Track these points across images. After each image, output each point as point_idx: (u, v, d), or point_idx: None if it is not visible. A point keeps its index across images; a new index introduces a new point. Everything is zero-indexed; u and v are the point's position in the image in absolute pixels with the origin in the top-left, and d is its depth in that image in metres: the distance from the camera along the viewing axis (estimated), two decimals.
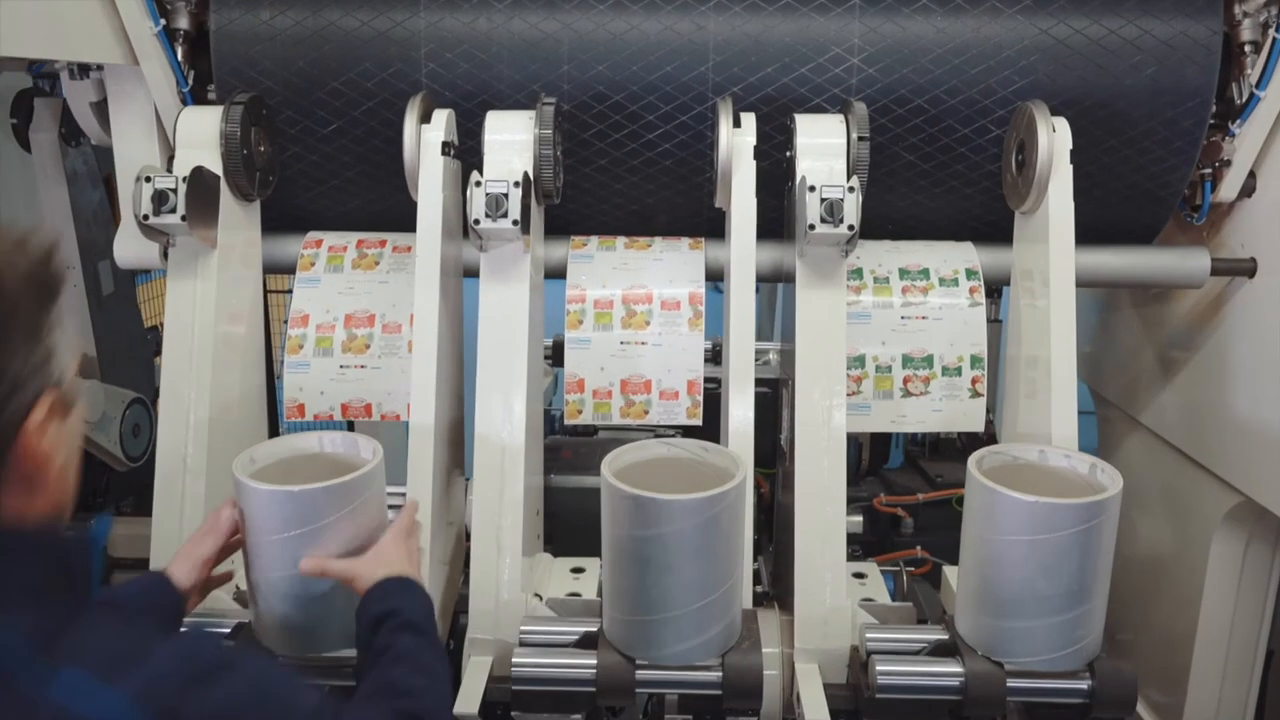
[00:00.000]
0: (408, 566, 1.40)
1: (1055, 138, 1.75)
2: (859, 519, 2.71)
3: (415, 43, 1.94)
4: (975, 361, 1.96)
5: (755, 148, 1.81)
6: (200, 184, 1.73)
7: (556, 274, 2.04)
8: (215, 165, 1.81)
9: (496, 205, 1.65)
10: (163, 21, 1.90)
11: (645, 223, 2.12)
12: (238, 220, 1.88)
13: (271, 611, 1.46)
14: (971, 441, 2.54)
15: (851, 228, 1.65)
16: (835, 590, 1.69)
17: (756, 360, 3.15)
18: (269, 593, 1.45)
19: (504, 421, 1.77)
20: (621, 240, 2.08)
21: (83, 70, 2.06)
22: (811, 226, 1.65)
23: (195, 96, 2.03)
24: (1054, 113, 1.79)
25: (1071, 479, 1.56)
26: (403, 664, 1.22)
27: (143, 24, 1.88)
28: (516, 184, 1.67)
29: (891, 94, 1.96)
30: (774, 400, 2.09)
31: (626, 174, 2.04)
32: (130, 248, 2.04)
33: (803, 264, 1.77)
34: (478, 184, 1.67)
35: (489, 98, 1.96)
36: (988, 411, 2.01)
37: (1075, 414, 1.76)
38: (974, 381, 1.96)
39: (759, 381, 1.88)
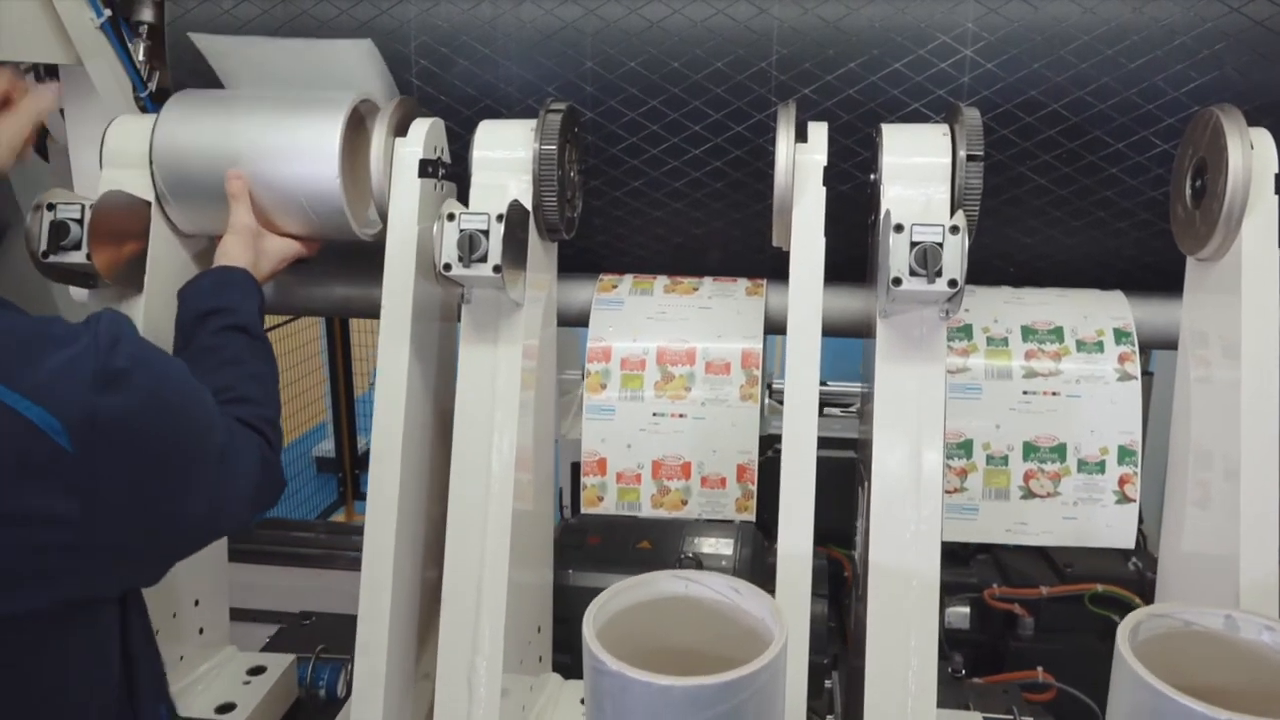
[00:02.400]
0: (252, 262, 1.39)
1: (1252, 156, 1.25)
2: (965, 610, 2.22)
3: (404, 35, 1.56)
4: (1124, 455, 1.46)
5: (831, 168, 1.36)
6: (113, 212, 1.38)
7: (580, 321, 1.64)
8: (147, 189, 1.46)
9: (471, 246, 1.25)
10: (107, 12, 1.57)
11: (694, 259, 1.69)
12: (173, 256, 1.52)
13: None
14: None
15: (954, 283, 1.18)
16: None
17: (846, 406, 2.72)
18: None
19: (481, 513, 1.36)
20: (661, 281, 1.66)
21: (49, 71, 1.77)
22: (897, 280, 1.19)
23: (159, 103, 1.70)
24: (1250, 122, 1.27)
25: (1275, 664, 1.06)
26: (235, 368, 1.21)
27: (81, 15, 1.55)
28: (500, 217, 1.26)
29: (1017, 96, 1.48)
30: (856, 467, 1.64)
31: (667, 199, 1.61)
32: None
33: (886, 327, 1.30)
34: (450, 218, 1.27)
35: (493, 103, 1.56)
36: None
37: (1276, 541, 1.25)
38: (1122, 482, 1.46)
39: (841, 442, 1.53)
